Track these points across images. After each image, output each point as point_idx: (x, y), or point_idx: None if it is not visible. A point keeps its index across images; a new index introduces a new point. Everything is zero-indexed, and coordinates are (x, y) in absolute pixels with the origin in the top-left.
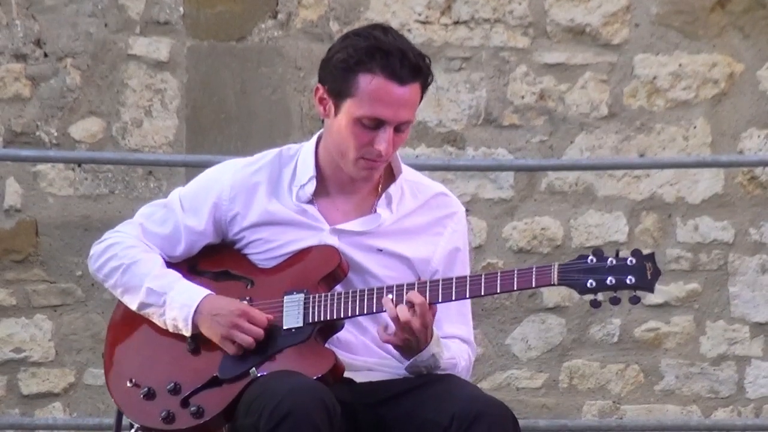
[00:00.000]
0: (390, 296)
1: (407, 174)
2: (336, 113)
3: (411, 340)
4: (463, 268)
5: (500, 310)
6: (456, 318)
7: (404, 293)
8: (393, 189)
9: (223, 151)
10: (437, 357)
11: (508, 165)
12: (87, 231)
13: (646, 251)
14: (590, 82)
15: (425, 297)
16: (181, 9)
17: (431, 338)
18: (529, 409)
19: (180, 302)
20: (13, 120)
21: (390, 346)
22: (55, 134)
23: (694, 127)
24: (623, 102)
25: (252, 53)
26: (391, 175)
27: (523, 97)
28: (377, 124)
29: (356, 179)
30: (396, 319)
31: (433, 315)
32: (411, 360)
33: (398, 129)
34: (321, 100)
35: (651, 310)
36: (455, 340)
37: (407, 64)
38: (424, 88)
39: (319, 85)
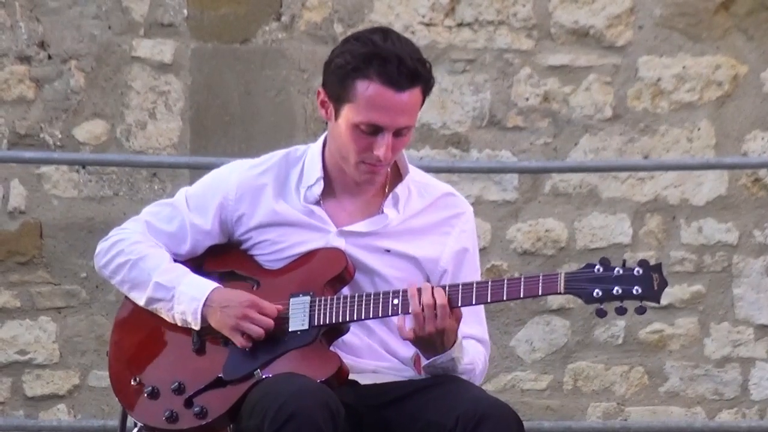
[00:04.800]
0: (396, 301)
1: (414, 174)
2: (336, 117)
3: (425, 340)
4: (472, 268)
5: (505, 311)
6: (471, 318)
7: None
8: (400, 189)
9: (227, 153)
10: (456, 361)
11: (512, 167)
12: (91, 233)
13: (652, 260)
14: (594, 84)
15: None
16: (185, 11)
17: (454, 343)
18: (534, 411)
19: (189, 296)
20: (17, 122)
21: (395, 349)
22: (59, 136)
23: (698, 129)
24: (627, 104)
25: (256, 55)
26: (398, 175)
27: (527, 99)
28: (375, 130)
29: (359, 183)
30: (417, 314)
31: (458, 320)
32: (430, 360)
33: (398, 133)
34: (323, 103)
35: (655, 311)
36: (471, 341)
37: (405, 71)
38: (425, 93)
39: (321, 89)
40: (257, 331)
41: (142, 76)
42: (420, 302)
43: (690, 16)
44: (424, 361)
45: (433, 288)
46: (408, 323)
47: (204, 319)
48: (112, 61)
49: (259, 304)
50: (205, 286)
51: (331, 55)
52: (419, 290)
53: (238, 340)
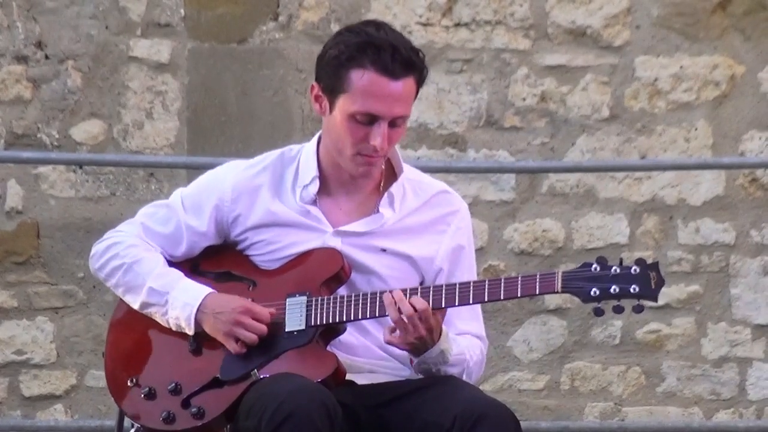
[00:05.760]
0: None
1: (408, 173)
2: (331, 110)
3: (416, 343)
4: (468, 266)
5: (502, 311)
6: (467, 315)
7: (407, 298)
8: (395, 188)
9: (224, 153)
10: (446, 353)
11: (509, 167)
12: (88, 233)
13: (649, 258)
14: (591, 84)
15: (428, 302)
16: (182, 11)
17: (439, 337)
18: (531, 411)
19: (182, 301)
20: (15, 122)
21: (393, 348)
22: (57, 136)
23: (696, 129)
24: (624, 104)
25: (253, 55)
26: (392, 174)
27: (524, 99)
28: (371, 119)
29: (355, 176)
30: (399, 321)
31: (442, 317)
32: (419, 358)
33: (394, 124)
34: (317, 98)
35: (652, 312)
36: (467, 336)
37: (399, 59)
38: (419, 83)
39: (314, 83)
40: (250, 337)
41: (139, 76)
42: (400, 313)
43: (687, 16)
44: (414, 360)
45: (410, 296)
46: (393, 331)
47: (198, 324)
48: (109, 61)
49: (253, 309)
50: (199, 291)
51: (324, 48)
52: (395, 302)
53: (232, 346)
